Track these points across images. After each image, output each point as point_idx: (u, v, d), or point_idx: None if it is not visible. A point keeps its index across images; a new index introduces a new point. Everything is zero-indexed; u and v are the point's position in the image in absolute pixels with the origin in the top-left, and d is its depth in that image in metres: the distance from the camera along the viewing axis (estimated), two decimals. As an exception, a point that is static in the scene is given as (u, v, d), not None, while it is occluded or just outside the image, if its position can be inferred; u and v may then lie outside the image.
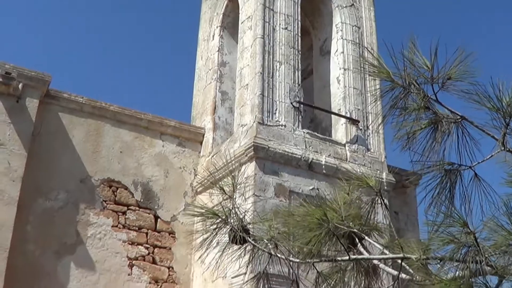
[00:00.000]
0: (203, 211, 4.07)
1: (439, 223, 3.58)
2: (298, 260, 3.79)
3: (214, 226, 3.98)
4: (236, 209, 4.02)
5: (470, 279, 3.50)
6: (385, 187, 11.00)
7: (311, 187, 10.45)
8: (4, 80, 9.94)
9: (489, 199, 3.71)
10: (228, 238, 4.04)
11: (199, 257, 5.25)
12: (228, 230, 3.96)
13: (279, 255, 3.84)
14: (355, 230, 4.00)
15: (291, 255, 3.82)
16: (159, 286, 10.80)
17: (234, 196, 4.23)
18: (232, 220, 3.97)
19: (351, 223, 3.85)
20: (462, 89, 3.65)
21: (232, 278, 9.66)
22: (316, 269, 3.96)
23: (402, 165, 11.75)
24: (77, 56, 30.04)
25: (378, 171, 11.08)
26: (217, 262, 4.10)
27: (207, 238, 4.00)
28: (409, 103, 3.67)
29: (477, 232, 3.46)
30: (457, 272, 3.57)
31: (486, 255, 3.47)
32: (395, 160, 11.85)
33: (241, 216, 3.98)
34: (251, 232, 4.03)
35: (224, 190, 4.29)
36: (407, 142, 3.59)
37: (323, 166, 10.67)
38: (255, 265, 4.16)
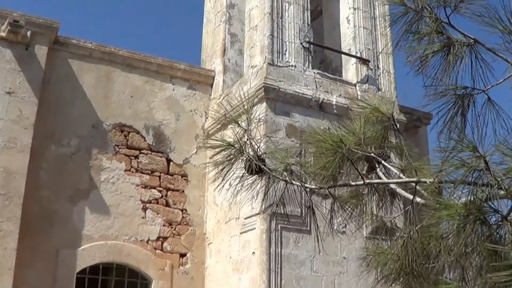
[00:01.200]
0: (219, 142, 4.06)
1: (450, 149, 3.56)
2: (313, 186, 3.80)
3: (230, 157, 3.97)
4: (251, 140, 4.01)
5: (482, 203, 3.49)
6: (397, 127, 10.95)
7: (322, 127, 10.41)
8: (12, 28, 9.88)
9: (501, 123, 3.68)
10: (243, 169, 4.03)
11: (215, 189, 5.19)
12: (244, 159, 3.95)
13: (294, 182, 3.83)
14: (372, 154, 3.99)
15: (307, 182, 3.82)
16: (173, 228, 10.91)
17: (249, 129, 4.21)
18: (247, 150, 3.96)
19: (368, 148, 3.85)
20: (475, 11, 3.59)
21: (245, 219, 9.77)
22: (332, 195, 3.96)
23: (413, 105, 11.73)
24: (85, 1, 29.78)
25: (390, 110, 11.02)
26: (231, 196, 4.08)
27: (223, 169, 4.00)
28: (421, 27, 3.62)
29: (487, 156, 3.43)
30: (469, 197, 3.55)
31: (498, 179, 3.46)
32: (406, 101, 11.80)
33: (256, 147, 3.97)
34: (266, 163, 4.02)
35: (239, 124, 4.28)
36: (419, 66, 3.55)
37: (334, 106, 10.64)
38: (270, 196, 4.15)
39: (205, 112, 11.79)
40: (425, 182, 3.63)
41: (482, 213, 3.43)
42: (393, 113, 3.97)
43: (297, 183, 3.82)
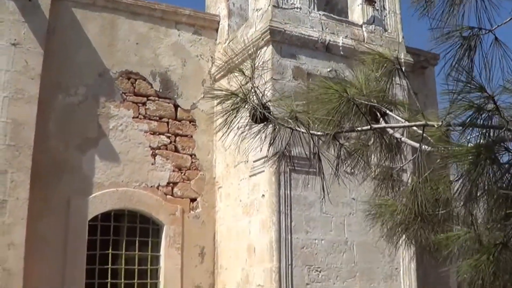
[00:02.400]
0: (223, 92, 4.04)
1: (457, 90, 3.52)
2: (319, 133, 3.79)
3: (234, 106, 3.96)
4: (256, 89, 3.98)
5: (494, 142, 3.46)
6: (403, 68, 10.91)
7: (329, 69, 10.40)
8: (14, -21, 9.78)
9: (509, 63, 3.63)
10: (248, 117, 4.01)
11: (219, 138, 5.16)
12: (248, 108, 3.94)
13: (300, 129, 3.82)
14: (375, 104, 3.96)
15: (312, 129, 3.81)
16: (182, 174, 11.00)
17: (253, 77, 4.18)
18: (252, 98, 3.94)
19: (372, 99, 3.81)
20: None
21: (254, 162, 9.81)
22: (338, 141, 3.95)
23: (420, 46, 11.63)
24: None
25: (396, 52, 10.94)
26: (237, 143, 4.08)
27: (227, 118, 3.99)
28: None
29: (496, 96, 3.40)
30: (479, 139, 3.52)
31: (508, 120, 3.43)
32: (412, 42, 11.70)
33: (260, 95, 3.94)
34: (271, 110, 4.00)
35: (243, 72, 4.24)
36: (425, 7, 3.50)
37: (341, 48, 10.57)
38: (277, 143, 4.16)
39: (211, 57, 11.73)
40: (433, 126, 3.60)
41: (494, 152, 3.40)
42: (398, 56, 3.89)
43: (303, 130, 3.82)
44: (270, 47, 10.03)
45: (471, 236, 4.05)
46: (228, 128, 4.15)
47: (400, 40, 11.40)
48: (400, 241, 5.15)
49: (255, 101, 3.85)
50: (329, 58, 10.48)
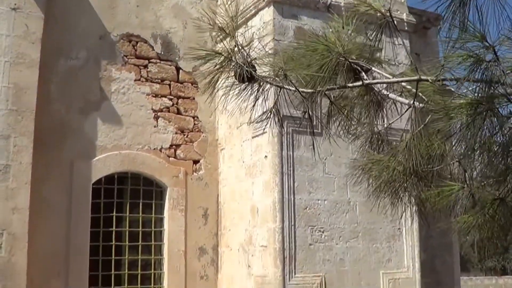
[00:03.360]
0: (205, 52, 3.99)
1: (455, 39, 3.43)
2: (309, 90, 3.75)
3: (218, 66, 3.92)
4: (240, 47, 3.93)
5: (493, 97, 3.39)
6: (406, 28, 10.83)
7: (330, 29, 10.28)
8: None
9: (506, 14, 3.55)
10: (234, 76, 3.98)
11: (205, 100, 5.07)
12: (234, 67, 3.89)
13: (288, 87, 3.79)
14: (356, 61, 3.88)
15: (302, 87, 3.77)
16: (185, 136, 11.01)
17: (236, 35, 4.13)
18: (237, 57, 3.89)
19: (353, 56, 3.75)
20: None
21: (256, 123, 9.78)
22: (329, 97, 3.92)
23: (423, 7, 11.46)
24: None
25: (398, 12, 10.84)
26: (224, 104, 4.05)
27: (212, 79, 3.96)
28: None
29: (496, 46, 3.32)
30: (477, 94, 3.45)
31: (508, 71, 3.36)
32: (415, 2, 11.55)
33: (245, 53, 3.90)
34: (257, 69, 3.96)
35: (224, 30, 4.20)
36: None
37: (342, 8, 10.45)
38: (266, 102, 4.13)
39: (213, 19, 11.58)
40: (427, 80, 3.55)
41: (494, 104, 3.33)
42: (391, 9, 3.80)
43: (291, 88, 3.79)
44: (271, 8, 9.95)
45: (465, 192, 4.03)
46: (213, 89, 4.11)
47: (403, 0, 11.28)
48: (391, 200, 5.14)
49: (240, 60, 3.81)
50: (331, 18, 10.36)
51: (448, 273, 13.16)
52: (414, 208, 5.69)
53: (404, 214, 10.26)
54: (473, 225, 3.92)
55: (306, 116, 3.83)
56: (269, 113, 4.00)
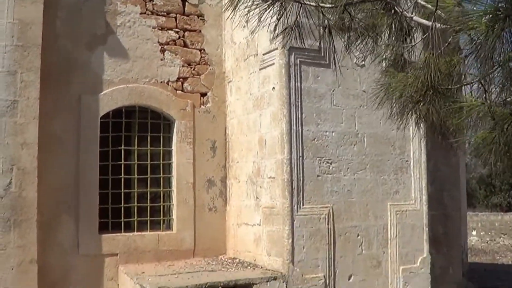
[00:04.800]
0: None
1: None
2: (328, 5, 3.69)
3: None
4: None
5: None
6: None
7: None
8: None
9: None
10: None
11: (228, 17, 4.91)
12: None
13: (308, 2, 3.72)
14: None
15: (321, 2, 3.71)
16: (192, 69, 10.95)
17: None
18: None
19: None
20: None
21: (264, 55, 9.73)
22: (349, 13, 3.84)
23: None
24: None
25: None
26: (244, 23, 3.98)
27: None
28: None
29: None
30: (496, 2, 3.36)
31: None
32: None
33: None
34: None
35: None
36: None
37: None
38: (285, 21, 4.05)
39: None
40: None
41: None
42: None
43: (312, 3, 3.72)
44: None
45: (484, 109, 4.00)
46: (234, 8, 4.04)
47: None
48: (409, 121, 5.11)
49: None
50: None
51: (455, 207, 13.29)
52: (423, 128, 5.67)
53: (412, 146, 10.35)
54: (491, 141, 3.91)
55: (327, 31, 3.74)
56: (290, 29, 3.92)
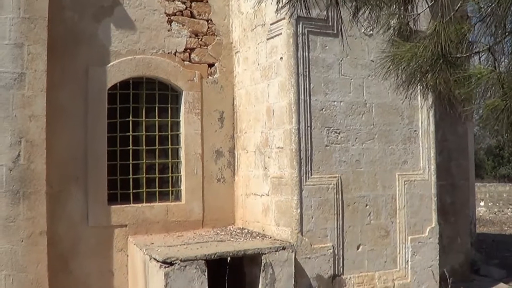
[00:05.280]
0: None
1: None
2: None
3: None
4: None
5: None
6: None
7: None
8: None
9: None
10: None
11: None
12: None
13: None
14: None
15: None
16: (199, 39, 10.89)
17: None
18: None
19: None
20: None
21: (271, 24, 9.68)
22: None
23: None
24: None
25: None
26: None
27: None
28: None
29: None
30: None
31: None
32: None
33: None
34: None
35: None
36: None
37: None
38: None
39: None
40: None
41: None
42: None
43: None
44: None
45: (494, 78, 3.97)
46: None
47: None
48: (417, 91, 5.08)
49: None
50: None
51: (463, 177, 13.28)
52: (431, 98, 5.63)
53: (421, 116, 10.31)
54: (502, 109, 3.88)
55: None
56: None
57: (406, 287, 10.17)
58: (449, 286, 9.52)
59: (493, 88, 4.13)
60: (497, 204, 28.47)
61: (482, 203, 28.60)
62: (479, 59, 4.30)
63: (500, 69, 4.15)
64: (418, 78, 4.46)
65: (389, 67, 4.79)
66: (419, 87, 4.90)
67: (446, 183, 12.69)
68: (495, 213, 28.14)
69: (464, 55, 4.20)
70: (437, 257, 10.52)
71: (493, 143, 39.22)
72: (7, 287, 8.79)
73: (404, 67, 4.54)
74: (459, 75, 4.08)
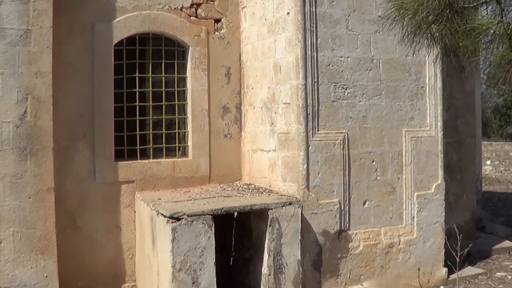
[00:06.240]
0: None
1: None
2: None
3: None
4: None
5: None
6: None
7: None
8: None
9: None
10: None
11: None
12: None
13: None
14: None
15: None
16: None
17: None
18: None
19: None
20: None
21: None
22: None
23: None
24: None
25: None
26: None
27: None
28: None
29: None
30: None
31: None
32: None
33: None
34: None
35: None
36: None
37: None
38: None
39: None
40: None
41: None
42: None
43: None
44: None
45: (501, 28, 3.93)
46: None
47: None
48: (422, 43, 5.03)
49: None
50: None
51: (470, 135, 13.27)
52: (437, 49, 5.61)
53: (428, 72, 10.27)
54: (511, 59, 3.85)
55: None
56: None
57: (412, 243, 10.24)
58: (459, 243, 9.56)
59: (500, 39, 4.09)
60: (503, 163, 28.48)
61: (488, 162, 28.62)
62: (486, 9, 4.26)
63: (507, 19, 4.12)
64: (424, 29, 4.42)
65: (394, 17, 4.74)
66: (425, 39, 4.85)
67: (453, 141, 12.68)
68: (501, 172, 28.18)
69: (472, 5, 4.15)
70: (443, 214, 10.57)
71: (500, 102, 39.07)
72: (15, 243, 8.89)
73: (410, 17, 4.49)
74: (466, 25, 4.04)
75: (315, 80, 9.33)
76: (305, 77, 9.23)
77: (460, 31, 4.24)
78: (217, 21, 10.88)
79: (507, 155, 28.38)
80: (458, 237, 9.61)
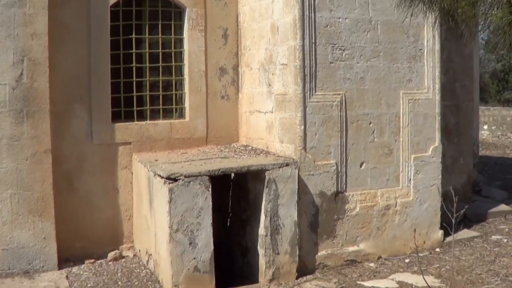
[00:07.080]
0: None
1: None
2: None
3: None
4: None
5: None
6: None
7: None
8: None
9: None
10: None
11: None
12: None
13: None
14: None
15: None
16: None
17: None
18: None
19: None
20: None
21: None
22: None
23: None
24: None
25: None
26: None
27: None
28: None
29: None
30: None
31: None
32: None
33: None
34: None
35: None
36: None
37: None
38: None
39: None
40: None
41: None
42: None
43: None
44: None
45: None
46: None
47: None
48: (421, 7, 4.98)
49: None
50: None
51: (468, 98, 13.27)
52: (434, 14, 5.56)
53: (426, 34, 10.19)
54: (510, 21, 3.80)
55: None
56: None
57: (408, 205, 10.28)
58: (455, 205, 9.58)
59: (499, 2, 4.05)
60: (501, 128, 28.52)
61: (485, 127, 28.66)
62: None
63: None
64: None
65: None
66: (423, 4, 4.80)
67: (450, 104, 12.68)
68: (498, 137, 28.24)
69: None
70: (440, 176, 10.59)
71: (498, 67, 38.99)
72: (13, 205, 8.93)
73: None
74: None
75: (313, 41, 9.27)
76: (303, 38, 9.17)
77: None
78: (215, -19, 10.80)
79: (504, 120, 28.42)
80: (454, 199, 9.62)
